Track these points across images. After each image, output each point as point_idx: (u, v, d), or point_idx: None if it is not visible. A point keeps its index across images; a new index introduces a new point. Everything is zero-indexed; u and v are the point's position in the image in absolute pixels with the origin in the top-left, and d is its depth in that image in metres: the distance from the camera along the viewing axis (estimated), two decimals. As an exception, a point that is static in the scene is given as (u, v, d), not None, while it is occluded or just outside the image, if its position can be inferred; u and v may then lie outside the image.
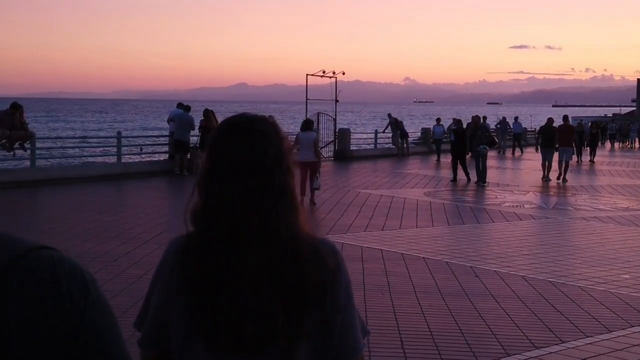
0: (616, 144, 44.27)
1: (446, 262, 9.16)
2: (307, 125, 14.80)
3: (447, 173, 21.98)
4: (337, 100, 26.92)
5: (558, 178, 20.39)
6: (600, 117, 77.21)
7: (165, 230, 10.78)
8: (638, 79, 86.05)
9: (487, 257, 9.57)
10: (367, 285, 7.78)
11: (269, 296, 1.61)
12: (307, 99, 26.34)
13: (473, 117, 20.93)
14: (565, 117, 22.23)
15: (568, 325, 6.57)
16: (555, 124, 21.49)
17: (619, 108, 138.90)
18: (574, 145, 21.66)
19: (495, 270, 8.74)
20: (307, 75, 26.10)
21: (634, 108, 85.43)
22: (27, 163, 17.43)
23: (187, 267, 1.66)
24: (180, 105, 20.59)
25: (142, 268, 8.19)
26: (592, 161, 28.97)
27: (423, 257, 9.39)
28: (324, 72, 26.48)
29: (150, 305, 1.75)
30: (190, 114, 20.04)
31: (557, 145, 20.59)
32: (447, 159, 26.47)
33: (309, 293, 1.63)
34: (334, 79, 26.90)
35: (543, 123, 22.60)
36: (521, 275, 8.52)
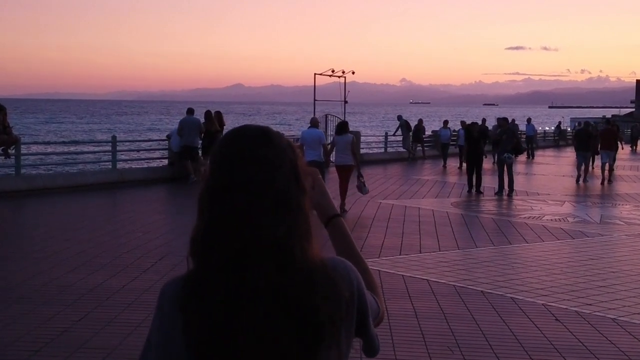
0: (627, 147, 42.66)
1: (511, 298, 7.52)
2: (342, 127, 13.98)
3: (463, 179, 20.33)
4: (346, 101, 25.29)
5: (602, 183, 20.28)
6: (599, 118, 75.90)
7: (168, 254, 9.14)
8: (637, 80, 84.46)
9: (557, 290, 7.92)
10: (426, 336, 6.14)
11: (283, 323, 1.40)
12: (314, 100, 24.73)
13: (498, 120, 19.28)
14: (608, 120, 21.01)
15: None
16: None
17: (618, 109, 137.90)
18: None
19: (575, 311, 7.10)
20: (315, 74, 24.49)
21: (633, 109, 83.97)
22: (11, 171, 15.69)
23: (189, 315, 1.41)
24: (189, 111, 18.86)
25: (140, 311, 6.54)
26: (612, 169, 26.63)
27: (481, 291, 7.75)
28: (333, 71, 24.84)
29: None
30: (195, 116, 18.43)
31: (595, 149, 20.24)
32: (455, 163, 25.05)
33: (324, 325, 1.43)
34: (343, 79, 25.30)
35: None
36: (611, 318, 6.88)
